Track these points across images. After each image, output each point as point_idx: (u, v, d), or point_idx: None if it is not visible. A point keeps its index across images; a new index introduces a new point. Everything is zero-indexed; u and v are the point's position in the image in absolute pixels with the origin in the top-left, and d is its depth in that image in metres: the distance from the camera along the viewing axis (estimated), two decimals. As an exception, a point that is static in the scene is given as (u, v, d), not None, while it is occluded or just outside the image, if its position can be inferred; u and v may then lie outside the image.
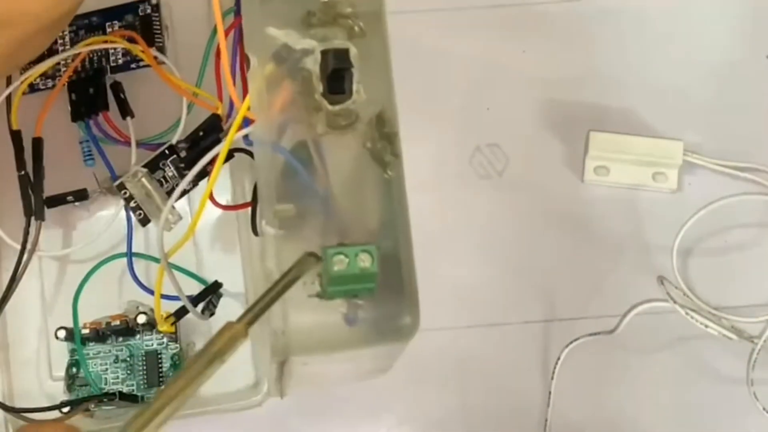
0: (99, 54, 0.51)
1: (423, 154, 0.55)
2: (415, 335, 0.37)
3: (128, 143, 0.49)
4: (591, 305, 0.55)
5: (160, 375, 0.50)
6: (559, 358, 0.53)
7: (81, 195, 0.50)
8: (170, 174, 0.48)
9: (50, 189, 0.50)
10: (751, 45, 0.57)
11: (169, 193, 0.47)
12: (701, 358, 0.54)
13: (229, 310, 0.50)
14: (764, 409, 0.53)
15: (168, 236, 0.45)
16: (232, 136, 0.39)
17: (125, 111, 0.50)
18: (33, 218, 0.49)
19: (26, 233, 0.48)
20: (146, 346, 0.51)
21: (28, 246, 0.48)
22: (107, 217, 0.51)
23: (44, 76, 0.51)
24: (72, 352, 0.51)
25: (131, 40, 0.50)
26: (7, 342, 0.52)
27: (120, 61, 0.51)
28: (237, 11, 0.42)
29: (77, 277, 0.49)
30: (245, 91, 0.39)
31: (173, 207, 0.46)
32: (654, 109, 0.56)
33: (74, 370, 0.50)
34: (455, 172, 0.56)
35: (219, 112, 0.46)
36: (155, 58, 0.50)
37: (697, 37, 0.57)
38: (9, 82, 0.49)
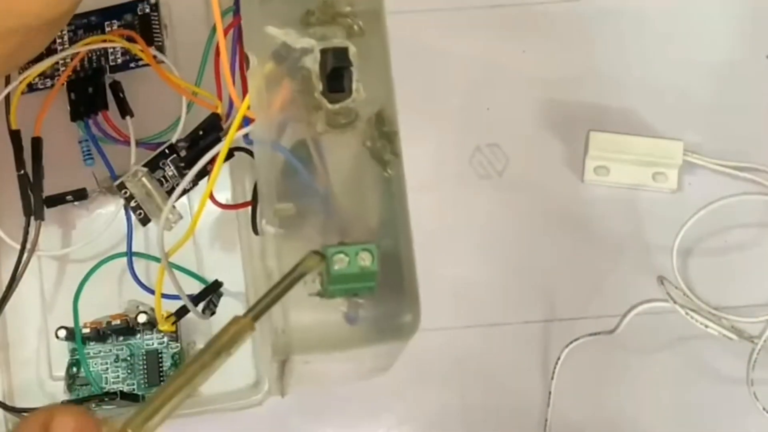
0: (98, 53, 0.51)
1: (423, 153, 0.55)
2: (416, 334, 0.37)
3: (128, 142, 0.49)
4: (591, 305, 0.55)
5: (161, 374, 0.50)
6: (559, 358, 0.53)
7: (80, 194, 0.50)
8: (170, 173, 0.48)
9: (50, 189, 0.50)
10: (751, 45, 0.57)
11: (169, 193, 0.47)
12: (701, 358, 0.54)
13: (229, 309, 0.50)
14: (764, 409, 0.53)
15: (168, 235, 0.45)
16: (232, 136, 0.39)
17: (124, 110, 0.50)
18: (32, 218, 0.49)
19: (26, 233, 0.48)
20: (147, 345, 0.51)
21: (28, 246, 0.48)
22: (107, 217, 0.51)
23: (43, 75, 0.51)
24: (72, 351, 0.51)
25: (130, 40, 0.50)
26: (7, 342, 0.52)
27: (119, 61, 0.51)
28: (236, 10, 0.41)
29: (77, 276, 0.49)
30: (245, 90, 0.39)
31: (173, 206, 0.46)
32: (654, 109, 0.56)
33: (75, 369, 0.50)
34: (455, 172, 0.56)
35: (218, 111, 0.45)
36: (154, 57, 0.50)
37: (696, 37, 0.57)
38: (8, 81, 0.49)
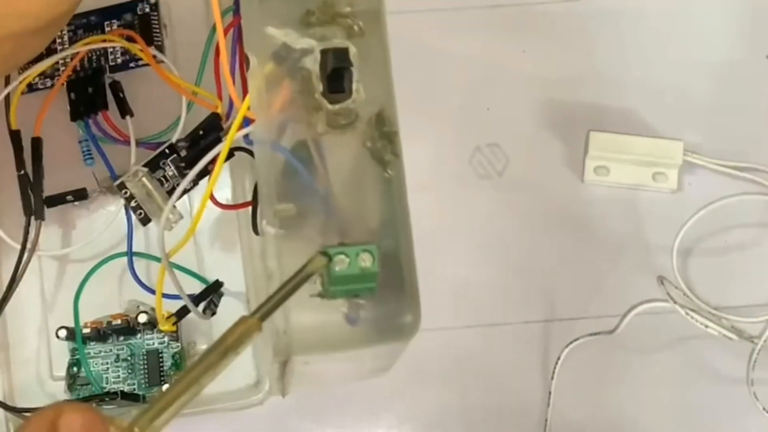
0: (98, 53, 0.51)
1: (422, 153, 0.55)
2: (416, 335, 0.37)
3: (128, 142, 0.49)
4: (591, 305, 0.55)
5: (162, 374, 0.50)
6: (559, 358, 0.53)
7: (80, 194, 0.50)
8: (170, 173, 0.47)
9: (50, 188, 0.50)
10: (751, 45, 0.57)
11: (170, 193, 0.47)
12: (701, 358, 0.54)
13: (230, 309, 0.50)
14: (764, 409, 0.53)
15: (168, 235, 0.45)
16: (233, 136, 0.39)
17: (124, 110, 0.50)
18: (33, 218, 0.49)
19: (26, 233, 0.48)
20: (147, 345, 0.51)
21: (28, 245, 0.48)
22: (107, 217, 0.51)
23: (43, 75, 0.51)
24: (73, 351, 0.51)
25: (130, 39, 0.50)
26: (8, 342, 0.52)
27: (119, 60, 0.51)
28: (236, 10, 0.41)
29: (77, 276, 0.49)
30: (245, 90, 0.39)
31: (174, 206, 0.46)
32: (654, 109, 0.56)
33: (75, 369, 0.50)
34: (455, 172, 0.56)
35: (218, 110, 0.45)
36: (154, 56, 0.50)
37: (696, 37, 0.57)
38: (8, 81, 0.49)
